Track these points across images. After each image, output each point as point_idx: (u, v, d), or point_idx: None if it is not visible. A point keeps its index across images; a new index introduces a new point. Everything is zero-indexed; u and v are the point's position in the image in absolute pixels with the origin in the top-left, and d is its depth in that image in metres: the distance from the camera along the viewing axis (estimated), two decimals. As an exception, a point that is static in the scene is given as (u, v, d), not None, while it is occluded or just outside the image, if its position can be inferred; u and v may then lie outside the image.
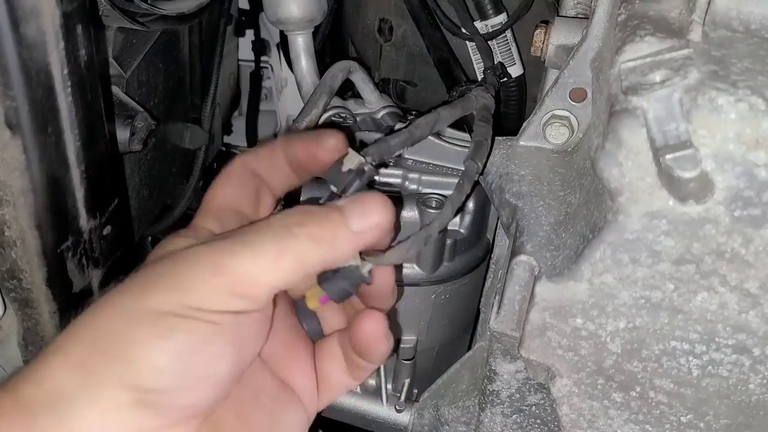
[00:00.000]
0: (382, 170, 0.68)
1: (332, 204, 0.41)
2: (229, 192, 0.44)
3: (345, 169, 0.45)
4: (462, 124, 0.72)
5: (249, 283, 0.37)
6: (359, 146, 0.48)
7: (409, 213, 0.65)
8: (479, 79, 0.78)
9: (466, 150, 0.69)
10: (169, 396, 0.37)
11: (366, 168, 0.45)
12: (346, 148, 0.45)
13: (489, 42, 0.78)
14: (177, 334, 0.37)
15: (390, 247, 0.44)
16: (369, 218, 0.40)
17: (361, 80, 0.79)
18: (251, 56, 1.30)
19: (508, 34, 0.79)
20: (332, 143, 0.44)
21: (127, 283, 0.39)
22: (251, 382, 0.43)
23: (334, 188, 0.45)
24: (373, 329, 0.44)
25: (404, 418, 0.74)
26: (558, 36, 0.59)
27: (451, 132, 0.72)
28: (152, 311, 0.37)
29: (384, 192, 0.43)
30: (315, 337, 0.48)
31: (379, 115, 0.81)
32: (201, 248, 0.39)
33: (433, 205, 0.64)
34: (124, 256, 0.66)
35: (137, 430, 0.36)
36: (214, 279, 0.37)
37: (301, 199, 0.62)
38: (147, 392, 0.36)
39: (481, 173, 0.56)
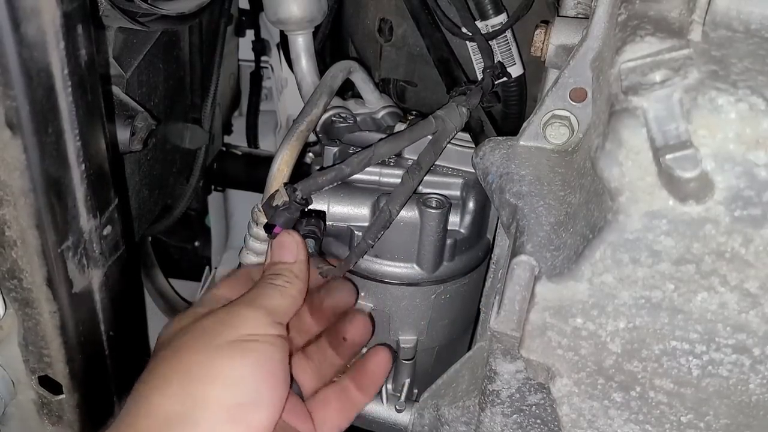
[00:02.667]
0: (385, 170, 0.68)
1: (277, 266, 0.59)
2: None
3: (274, 204, 0.60)
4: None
5: (275, 313, 0.54)
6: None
7: (410, 213, 0.65)
8: (479, 80, 0.78)
9: (467, 150, 0.69)
10: (249, 411, 0.49)
11: (291, 204, 0.60)
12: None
13: (489, 42, 0.78)
14: (247, 353, 0.51)
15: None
16: (291, 249, 0.59)
17: (361, 80, 0.79)
18: (251, 56, 1.30)
19: (508, 34, 0.79)
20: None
21: (192, 329, 0.53)
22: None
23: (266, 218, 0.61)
24: (383, 357, 0.64)
25: (404, 418, 0.74)
26: (558, 36, 0.59)
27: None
28: (224, 343, 0.51)
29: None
30: (296, 392, 0.62)
31: (380, 115, 0.81)
32: (235, 303, 0.55)
33: (433, 205, 0.64)
34: (124, 256, 0.66)
35: None
36: (255, 313, 0.53)
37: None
38: (236, 408, 0.49)
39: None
